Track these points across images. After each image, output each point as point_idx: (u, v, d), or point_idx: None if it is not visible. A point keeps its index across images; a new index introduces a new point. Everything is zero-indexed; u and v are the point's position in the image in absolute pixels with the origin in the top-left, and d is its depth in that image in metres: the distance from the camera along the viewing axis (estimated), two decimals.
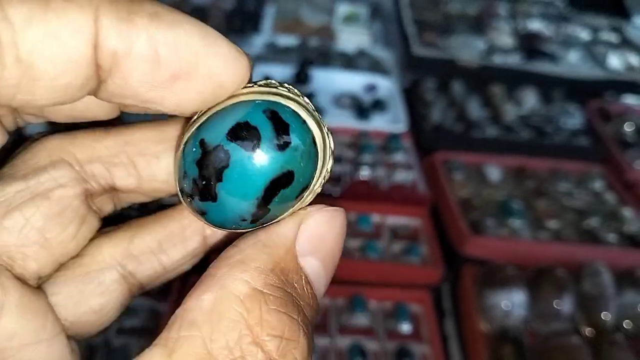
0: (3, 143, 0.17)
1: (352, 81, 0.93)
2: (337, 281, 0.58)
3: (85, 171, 0.18)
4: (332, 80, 0.93)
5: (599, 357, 0.55)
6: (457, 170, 0.76)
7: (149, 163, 0.19)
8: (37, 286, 0.17)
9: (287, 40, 1.03)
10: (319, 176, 0.17)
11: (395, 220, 0.70)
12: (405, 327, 0.58)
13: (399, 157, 0.78)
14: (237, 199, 0.16)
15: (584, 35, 1.15)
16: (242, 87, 0.16)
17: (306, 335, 0.15)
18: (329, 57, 1.01)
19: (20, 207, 0.17)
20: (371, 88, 0.93)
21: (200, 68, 0.15)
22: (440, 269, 0.62)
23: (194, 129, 0.16)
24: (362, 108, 0.88)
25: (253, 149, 0.15)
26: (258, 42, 1.01)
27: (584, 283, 0.61)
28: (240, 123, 0.15)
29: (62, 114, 0.18)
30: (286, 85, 0.17)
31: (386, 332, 0.58)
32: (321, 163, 0.17)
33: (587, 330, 0.59)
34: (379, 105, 0.89)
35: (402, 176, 0.75)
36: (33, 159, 0.17)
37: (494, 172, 0.77)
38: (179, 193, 0.17)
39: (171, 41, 0.14)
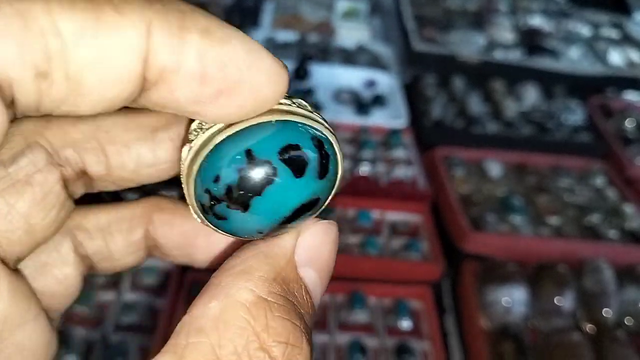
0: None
1: (351, 77, 0.93)
2: (336, 277, 0.58)
3: (59, 156, 0.18)
4: (332, 76, 0.92)
5: (600, 354, 0.55)
6: (458, 166, 0.76)
7: (119, 151, 0.19)
8: (16, 268, 0.18)
9: (287, 35, 1.02)
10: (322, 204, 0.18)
11: (395, 216, 0.70)
12: (405, 324, 0.58)
13: (399, 153, 0.77)
14: (266, 215, 0.16)
15: (585, 31, 1.15)
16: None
17: (308, 342, 0.16)
18: (328, 52, 1.00)
19: (2, 193, 0.16)
20: (371, 84, 0.92)
21: (244, 84, 0.15)
22: (441, 265, 0.62)
23: (231, 132, 0.16)
24: (362, 104, 0.87)
25: (299, 175, 0.16)
26: (257, 37, 1.00)
27: (585, 279, 0.61)
28: (292, 145, 0.16)
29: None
30: (310, 105, 0.17)
31: (386, 328, 0.57)
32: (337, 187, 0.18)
33: (588, 327, 0.59)
34: (378, 101, 0.88)
35: (402, 172, 0.74)
36: (9, 144, 0.17)
37: (494, 168, 0.77)
38: (192, 190, 0.17)
39: (219, 59, 0.14)
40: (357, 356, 0.54)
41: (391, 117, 0.85)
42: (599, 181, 0.79)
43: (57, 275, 0.19)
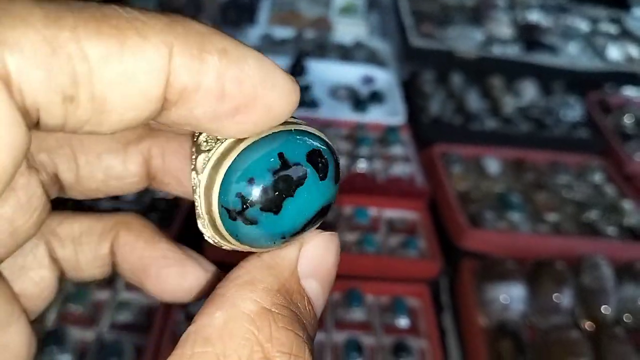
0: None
1: (349, 73, 0.92)
2: None
3: (35, 160, 0.18)
4: (329, 72, 0.92)
5: (599, 351, 0.55)
6: (456, 163, 0.76)
7: (89, 161, 0.19)
8: None
9: (283, 32, 1.02)
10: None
11: (392, 213, 0.69)
12: (403, 322, 0.57)
13: (396, 149, 0.77)
14: (294, 218, 0.17)
15: (584, 26, 1.14)
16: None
17: (310, 352, 0.16)
18: (325, 48, 1.00)
19: None
20: (368, 80, 0.92)
21: (259, 100, 0.16)
22: (438, 262, 0.61)
23: (257, 138, 0.16)
24: (359, 100, 0.87)
25: (324, 177, 0.17)
26: (254, 34, 0.99)
27: (583, 276, 0.60)
28: (316, 150, 0.17)
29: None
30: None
31: (383, 326, 0.57)
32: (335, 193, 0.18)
33: (587, 324, 0.58)
34: (376, 97, 0.88)
35: (399, 169, 0.74)
36: None
37: (492, 165, 0.77)
38: (215, 197, 0.17)
39: (237, 77, 0.15)
40: (353, 355, 0.53)
41: (389, 114, 0.85)
42: (598, 177, 0.79)
43: (34, 278, 0.20)
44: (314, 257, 0.18)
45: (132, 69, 0.14)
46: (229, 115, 0.16)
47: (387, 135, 0.79)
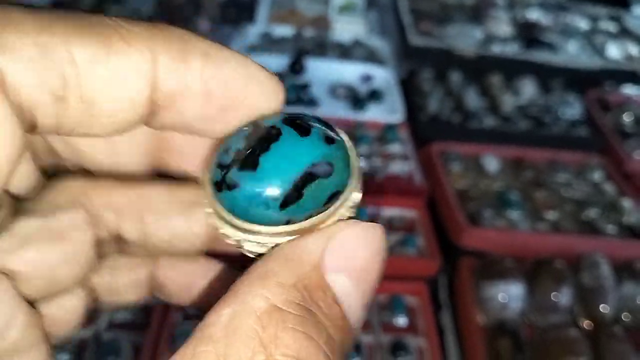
0: (40, 186, 0.18)
1: (347, 71, 0.92)
2: None
3: (98, 217, 0.19)
4: (328, 71, 0.91)
5: (598, 350, 0.55)
6: (454, 161, 0.75)
7: (157, 221, 0.19)
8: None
9: (282, 30, 1.02)
10: (349, 196, 0.17)
11: (391, 211, 0.69)
12: (401, 320, 0.57)
13: (395, 148, 0.77)
14: (275, 173, 0.16)
15: (583, 24, 1.14)
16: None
17: (328, 358, 0.14)
18: (324, 47, 0.99)
19: (36, 242, 0.17)
20: (367, 78, 0.91)
21: (246, 99, 0.16)
22: (437, 260, 0.61)
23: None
24: (357, 98, 0.87)
25: (305, 134, 0.16)
26: (253, 32, 0.99)
27: (582, 275, 0.60)
28: (293, 116, 0.17)
29: (99, 167, 0.19)
30: None
31: (381, 325, 0.57)
32: (354, 180, 0.17)
33: (586, 323, 0.58)
34: (375, 95, 0.87)
35: (398, 167, 0.74)
36: (54, 197, 0.18)
37: (491, 163, 0.76)
38: (207, 177, 0.17)
39: (221, 78, 0.16)
40: (351, 353, 0.53)
41: (387, 112, 0.84)
42: (597, 176, 0.79)
43: (64, 305, 0.19)
44: (345, 250, 0.16)
45: (118, 72, 0.15)
46: (217, 115, 0.16)
47: (386, 133, 0.79)
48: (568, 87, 0.95)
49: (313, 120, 0.17)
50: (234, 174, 0.16)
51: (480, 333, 0.56)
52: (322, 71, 0.91)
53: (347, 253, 0.16)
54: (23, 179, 0.18)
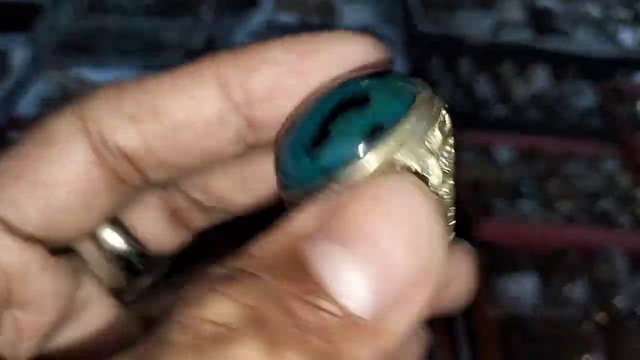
0: (184, 242, 0.18)
1: None
2: None
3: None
4: None
5: (612, 345, 0.53)
6: (465, 151, 0.74)
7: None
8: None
9: (287, 17, 1.00)
10: (406, 134, 0.12)
11: None
12: None
13: None
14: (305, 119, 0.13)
15: (596, 11, 1.12)
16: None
17: None
18: None
19: None
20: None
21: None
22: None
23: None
24: None
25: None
26: (257, 20, 0.98)
27: (596, 268, 0.59)
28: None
29: (241, 209, 0.18)
30: None
31: None
32: (427, 117, 0.13)
33: (600, 317, 0.57)
34: None
35: None
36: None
37: (503, 153, 0.75)
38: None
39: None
40: None
41: None
42: (611, 166, 0.77)
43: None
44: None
45: (191, 95, 0.14)
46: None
47: None
48: (581, 75, 0.93)
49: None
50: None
51: (492, 327, 0.55)
52: None
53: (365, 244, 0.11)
54: (159, 236, 0.17)
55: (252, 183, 0.17)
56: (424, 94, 0.14)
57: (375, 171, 0.12)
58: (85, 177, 0.14)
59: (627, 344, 0.53)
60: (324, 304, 0.10)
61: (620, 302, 0.57)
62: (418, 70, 0.90)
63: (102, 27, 0.92)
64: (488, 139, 0.77)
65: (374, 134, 0.12)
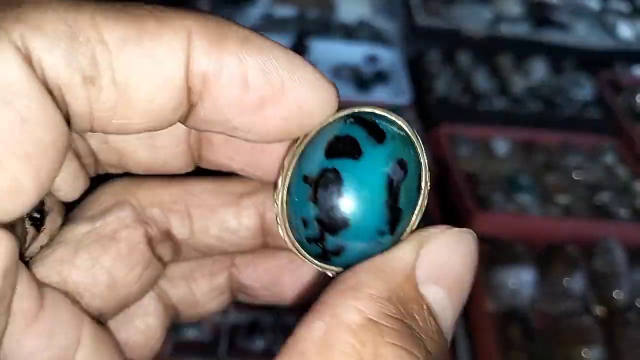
0: (85, 188, 0.18)
1: (352, 52, 0.90)
2: None
3: (146, 214, 0.18)
4: (332, 52, 0.89)
5: (612, 338, 0.53)
6: (463, 144, 0.74)
7: (204, 215, 0.19)
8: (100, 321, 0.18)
9: (285, 11, 0.99)
10: (425, 170, 0.16)
11: None
12: None
13: None
14: (366, 209, 0.15)
15: (594, 4, 1.11)
16: (330, 116, 0.16)
17: None
18: (328, 28, 0.97)
19: (88, 247, 0.17)
20: (372, 59, 0.90)
21: (288, 94, 0.15)
22: None
23: (287, 170, 0.16)
24: (362, 80, 0.85)
25: (355, 154, 0.15)
26: (254, 14, 0.97)
27: (595, 260, 0.59)
28: (331, 141, 0.15)
29: (140, 166, 0.18)
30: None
31: None
32: (421, 151, 0.16)
33: (599, 310, 0.57)
34: (380, 77, 0.86)
35: None
36: (99, 200, 0.18)
37: (501, 146, 0.75)
38: (297, 246, 0.16)
39: (260, 66, 0.14)
40: None
41: (393, 94, 0.82)
42: (610, 158, 0.77)
43: (139, 326, 0.19)
44: (439, 259, 0.15)
45: (152, 53, 0.14)
46: (255, 107, 0.15)
47: None
48: (579, 67, 0.93)
49: (346, 118, 0.16)
50: (332, 242, 0.15)
51: (490, 320, 0.55)
52: (326, 52, 0.89)
53: (440, 263, 0.15)
54: (69, 182, 0.17)
55: (159, 147, 0.18)
56: (421, 148, 0.16)
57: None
58: None
59: (627, 337, 0.53)
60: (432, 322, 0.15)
61: (619, 294, 0.57)
62: (416, 64, 0.90)
63: None
64: (486, 131, 0.77)
65: (419, 184, 0.16)
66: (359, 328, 0.13)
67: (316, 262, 0.16)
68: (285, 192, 0.16)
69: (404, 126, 0.16)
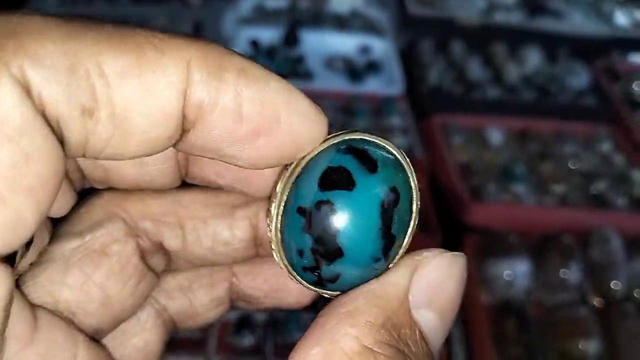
0: (73, 204, 0.18)
1: (344, 43, 0.89)
2: None
3: (137, 227, 0.18)
4: (324, 43, 0.88)
5: (609, 329, 0.52)
6: (456, 134, 0.72)
7: (196, 227, 0.19)
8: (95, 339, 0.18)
9: (276, 2, 0.98)
10: (415, 193, 0.16)
11: None
12: None
13: (394, 121, 0.74)
14: (361, 239, 0.15)
15: None
16: (321, 143, 0.16)
17: None
18: (320, 18, 0.96)
19: (78, 264, 0.17)
20: (365, 50, 0.88)
21: (281, 125, 0.15)
22: (438, 238, 0.59)
23: (281, 199, 0.16)
24: (355, 70, 0.84)
25: (349, 185, 0.15)
26: (245, 4, 0.96)
27: (592, 250, 0.58)
28: (324, 172, 0.15)
29: (127, 182, 0.18)
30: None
31: None
32: (410, 174, 0.16)
33: (596, 301, 0.56)
34: (373, 67, 0.84)
35: (397, 141, 0.71)
36: (88, 214, 0.18)
37: (495, 135, 0.73)
38: (294, 273, 0.16)
39: (256, 98, 0.15)
40: None
41: (386, 84, 0.81)
42: (606, 147, 0.76)
43: (137, 344, 0.19)
44: (430, 283, 0.15)
45: (151, 84, 0.14)
46: (249, 138, 0.15)
47: (384, 106, 0.76)
48: (574, 55, 0.91)
49: (338, 146, 0.16)
50: (327, 271, 0.16)
51: (484, 313, 0.54)
52: (318, 43, 0.88)
53: (433, 287, 0.15)
54: (58, 199, 0.16)
55: (146, 164, 0.18)
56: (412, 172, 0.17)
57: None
58: None
59: (625, 329, 0.52)
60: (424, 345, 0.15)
61: (617, 285, 0.55)
62: (409, 53, 0.88)
63: (89, 15, 0.91)
64: (480, 121, 0.75)
65: (411, 209, 0.16)
66: (356, 355, 0.14)
67: (313, 287, 0.16)
68: (278, 221, 0.16)
69: (393, 150, 0.16)
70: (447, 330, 0.16)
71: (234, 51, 0.15)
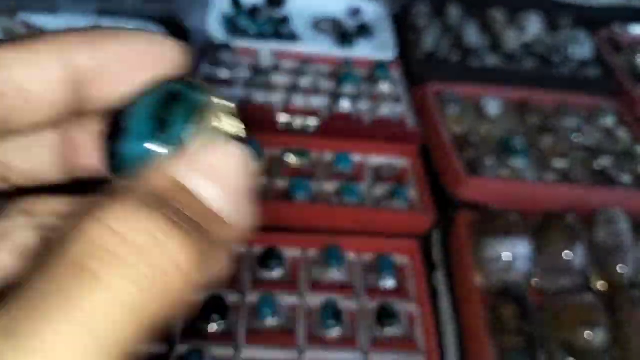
0: None
1: (333, 4, 0.83)
2: (308, 230, 0.48)
3: None
4: (311, 3, 0.82)
5: (615, 316, 0.48)
6: (452, 103, 0.67)
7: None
8: None
9: None
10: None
11: (379, 159, 0.61)
12: (389, 283, 0.50)
13: (385, 87, 0.68)
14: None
15: None
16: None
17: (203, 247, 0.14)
18: None
19: None
20: (355, 12, 0.83)
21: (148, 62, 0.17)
22: (431, 215, 0.54)
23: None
24: (345, 34, 0.78)
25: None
26: None
27: (597, 231, 0.53)
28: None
29: (23, 177, 0.18)
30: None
31: (365, 288, 0.50)
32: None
33: (601, 285, 0.51)
34: (364, 30, 0.79)
35: (388, 109, 0.65)
36: None
37: (493, 106, 0.68)
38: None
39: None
40: (330, 322, 0.46)
41: (377, 49, 0.76)
42: (609, 120, 0.71)
43: None
44: (201, 157, 0.15)
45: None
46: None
47: (376, 72, 0.70)
48: (577, 24, 0.86)
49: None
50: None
51: (480, 298, 0.49)
52: (305, 3, 0.82)
53: (206, 171, 0.15)
54: None
55: (42, 157, 0.18)
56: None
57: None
58: None
59: (632, 316, 0.47)
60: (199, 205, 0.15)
61: (623, 269, 0.51)
62: (402, 17, 0.83)
63: None
64: (477, 90, 0.70)
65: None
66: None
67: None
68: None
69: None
70: (239, 204, 0.15)
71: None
